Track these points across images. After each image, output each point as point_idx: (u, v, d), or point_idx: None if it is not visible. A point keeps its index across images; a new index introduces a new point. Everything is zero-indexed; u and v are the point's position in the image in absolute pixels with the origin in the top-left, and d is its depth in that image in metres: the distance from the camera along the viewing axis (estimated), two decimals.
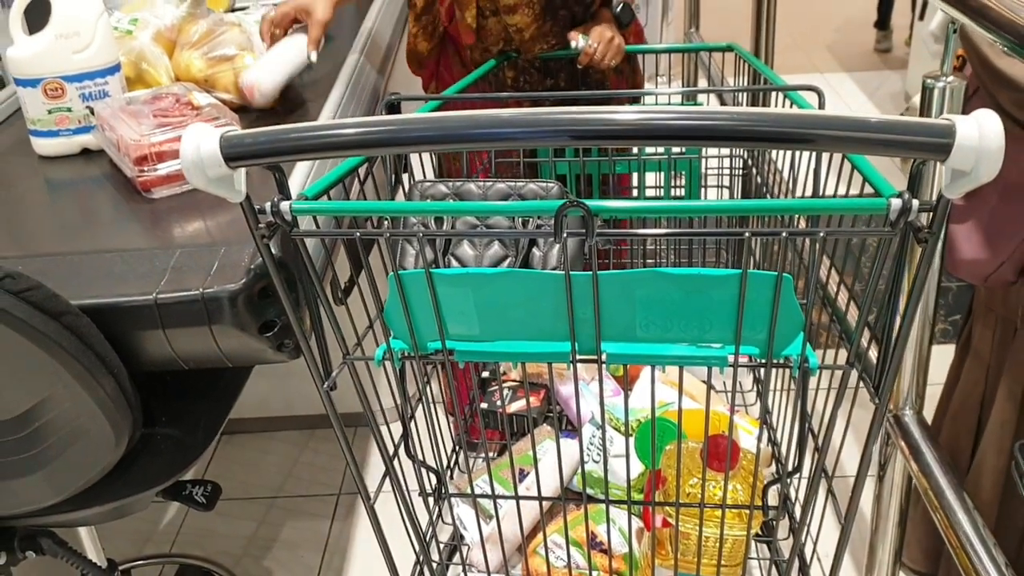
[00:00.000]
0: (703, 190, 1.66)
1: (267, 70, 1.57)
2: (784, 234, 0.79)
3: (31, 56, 1.48)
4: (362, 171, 1.13)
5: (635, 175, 1.65)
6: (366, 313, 1.06)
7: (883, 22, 5.31)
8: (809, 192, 1.27)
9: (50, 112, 1.51)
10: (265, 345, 1.15)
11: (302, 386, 2.62)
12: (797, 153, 1.34)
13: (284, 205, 0.81)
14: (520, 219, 1.14)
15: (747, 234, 0.79)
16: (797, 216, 1.19)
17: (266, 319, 1.14)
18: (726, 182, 1.73)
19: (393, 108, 1.79)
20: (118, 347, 1.12)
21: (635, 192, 1.69)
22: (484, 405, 1.40)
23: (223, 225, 1.30)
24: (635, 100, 1.85)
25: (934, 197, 0.75)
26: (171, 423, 1.30)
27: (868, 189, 0.90)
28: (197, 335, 1.13)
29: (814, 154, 1.24)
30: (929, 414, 1.58)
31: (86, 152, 1.56)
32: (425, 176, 1.42)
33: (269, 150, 0.72)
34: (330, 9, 1.70)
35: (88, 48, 1.49)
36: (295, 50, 1.64)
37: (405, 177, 1.34)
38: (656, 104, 1.68)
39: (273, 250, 0.88)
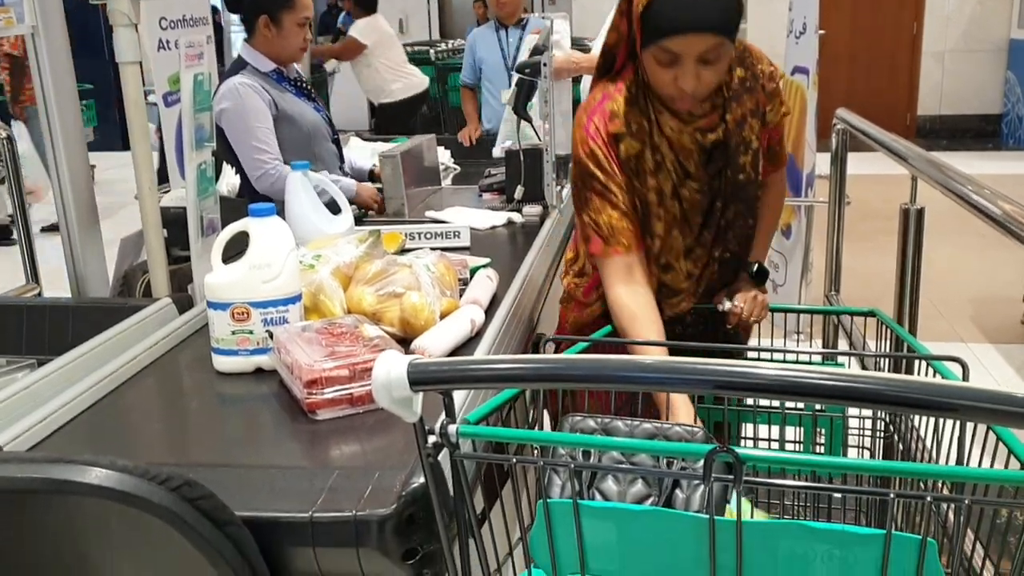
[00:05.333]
0: (843, 449, 1.66)
1: (438, 339, 1.71)
2: (929, 499, 0.81)
3: (226, 284, 1.65)
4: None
5: (775, 428, 1.67)
6: (507, 538, 1.09)
7: None
8: (953, 461, 1.26)
9: (233, 333, 1.66)
10: (405, 573, 1.18)
11: None
12: (941, 421, 1.34)
13: (451, 428, 0.89)
14: (665, 459, 1.18)
15: (891, 495, 0.80)
16: (941, 484, 1.18)
17: (409, 546, 1.18)
18: (867, 443, 1.72)
19: (536, 348, 1.89)
20: (268, 559, 1.18)
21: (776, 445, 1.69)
22: None
23: (378, 449, 1.39)
24: None
25: None
26: None
27: (1015, 462, 0.91)
28: (344, 555, 1.18)
29: (958, 423, 1.25)
30: None
31: (259, 371, 1.68)
32: None
33: (450, 378, 0.81)
34: None
35: (276, 279, 1.66)
36: (463, 322, 1.79)
37: None
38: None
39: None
